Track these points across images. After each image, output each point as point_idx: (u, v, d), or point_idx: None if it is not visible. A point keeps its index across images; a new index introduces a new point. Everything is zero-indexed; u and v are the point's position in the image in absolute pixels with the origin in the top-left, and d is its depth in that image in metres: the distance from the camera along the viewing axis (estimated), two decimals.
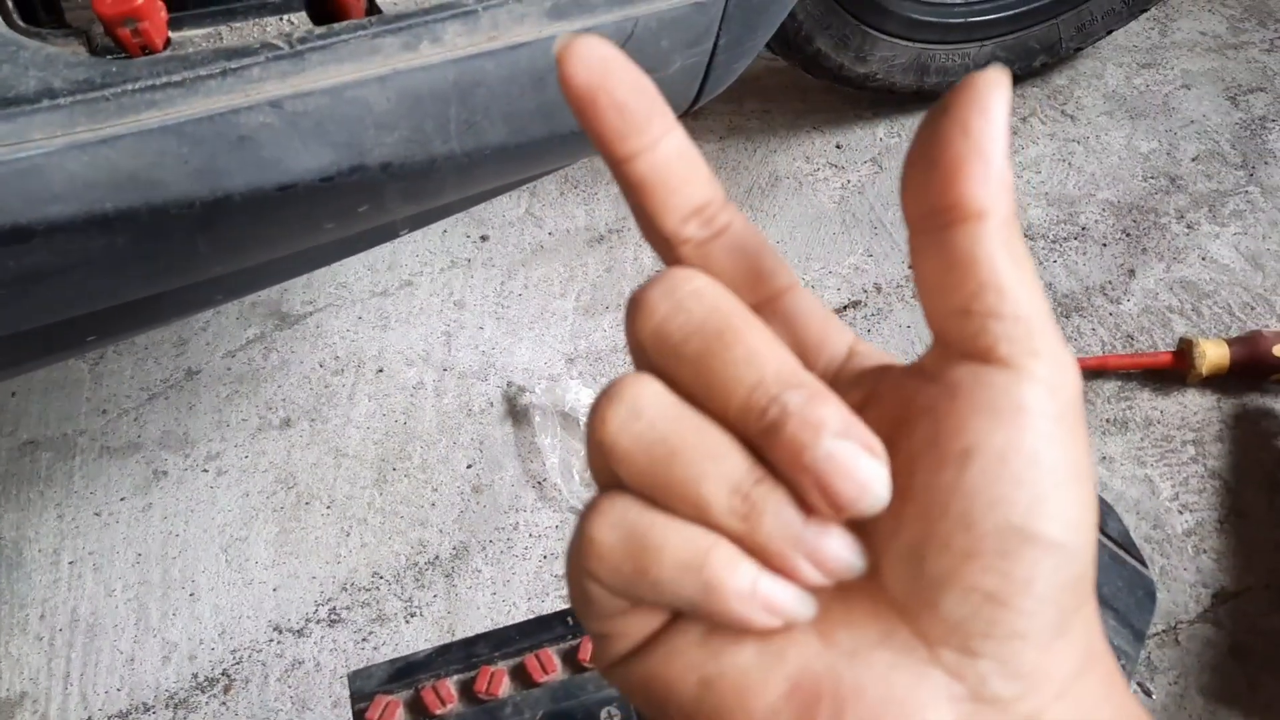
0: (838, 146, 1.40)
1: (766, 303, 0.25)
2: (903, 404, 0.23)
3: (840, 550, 0.22)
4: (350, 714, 0.66)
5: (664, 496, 0.23)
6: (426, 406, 1.11)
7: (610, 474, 0.23)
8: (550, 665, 0.66)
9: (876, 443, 0.21)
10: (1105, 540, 0.96)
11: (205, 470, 1.05)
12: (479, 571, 0.97)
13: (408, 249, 1.26)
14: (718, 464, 0.22)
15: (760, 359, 0.22)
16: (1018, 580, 0.21)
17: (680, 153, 0.24)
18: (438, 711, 0.65)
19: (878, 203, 1.32)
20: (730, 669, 0.23)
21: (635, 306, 0.24)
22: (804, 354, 0.25)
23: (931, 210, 0.22)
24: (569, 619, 0.69)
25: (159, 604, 0.95)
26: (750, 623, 0.22)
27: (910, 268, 0.24)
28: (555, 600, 0.95)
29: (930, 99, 1.42)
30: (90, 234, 0.56)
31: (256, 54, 0.58)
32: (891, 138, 1.41)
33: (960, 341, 0.22)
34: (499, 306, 1.20)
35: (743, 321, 0.23)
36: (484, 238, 1.28)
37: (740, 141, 1.40)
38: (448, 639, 0.92)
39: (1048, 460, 0.21)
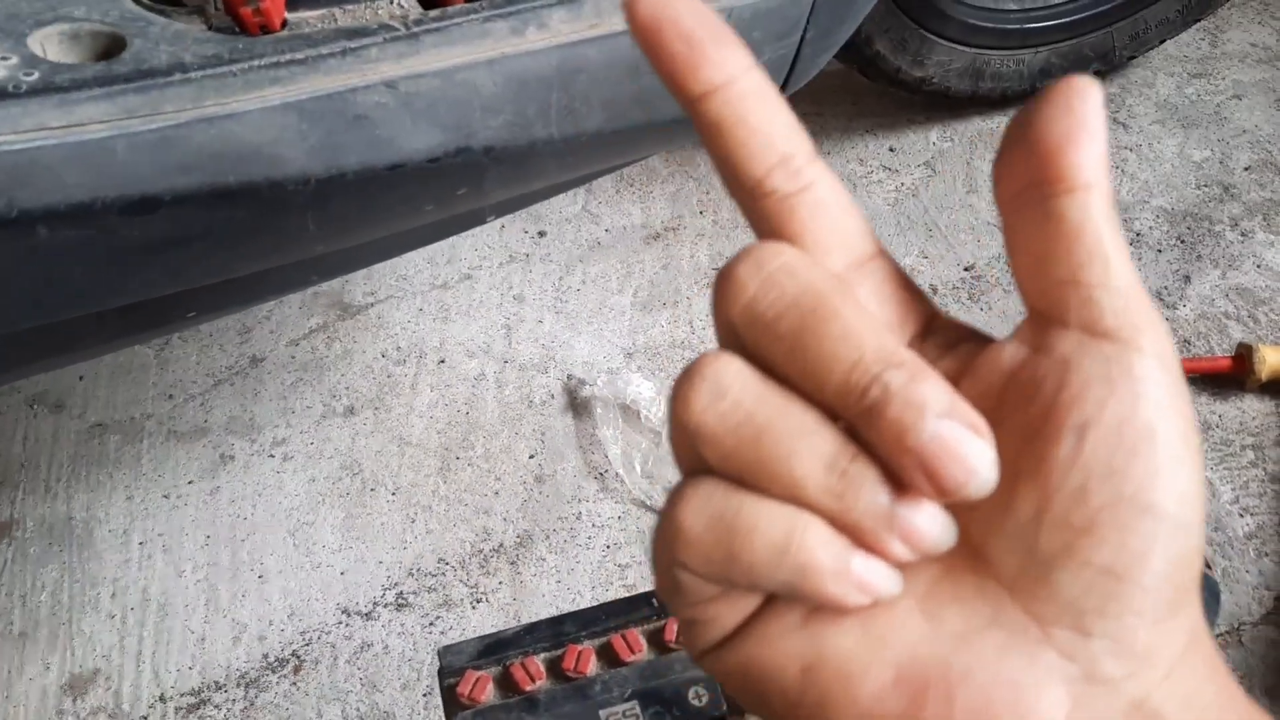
0: (891, 149, 1.41)
1: (853, 269, 0.24)
2: (1002, 378, 0.23)
3: (932, 526, 0.21)
4: (437, 689, 0.67)
5: (753, 477, 0.22)
6: (488, 397, 1.11)
7: (695, 457, 0.23)
8: (637, 645, 0.67)
9: (981, 422, 0.21)
10: None
11: (271, 455, 1.06)
12: (543, 560, 0.98)
13: (467, 243, 1.27)
14: (809, 440, 0.21)
15: (857, 336, 0.21)
16: (1134, 553, 0.21)
17: (760, 93, 0.23)
18: (527, 688, 0.65)
19: (931, 205, 1.33)
20: (833, 655, 0.22)
21: (723, 283, 0.23)
22: (890, 325, 0.24)
23: (1035, 182, 0.22)
24: (654, 600, 0.70)
25: (228, 585, 0.96)
26: (844, 602, 0.22)
27: (1006, 246, 0.23)
28: (619, 589, 0.95)
29: (984, 104, 1.43)
30: (212, 207, 0.57)
31: (374, 34, 0.60)
32: (944, 142, 1.42)
33: (1066, 312, 0.22)
34: (558, 301, 1.21)
35: (839, 297, 0.22)
36: (541, 233, 1.29)
37: None
38: (514, 625, 0.93)
39: (1163, 432, 0.21)
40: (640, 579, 0.96)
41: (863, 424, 0.21)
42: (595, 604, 0.71)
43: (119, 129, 0.53)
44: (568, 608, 0.94)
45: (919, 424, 0.20)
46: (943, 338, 0.25)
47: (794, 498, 0.21)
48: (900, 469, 0.21)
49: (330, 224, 0.65)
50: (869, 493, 0.21)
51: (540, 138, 0.68)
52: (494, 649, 0.68)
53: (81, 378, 1.12)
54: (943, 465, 0.20)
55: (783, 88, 0.81)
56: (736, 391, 0.22)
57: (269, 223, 0.61)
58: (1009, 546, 0.22)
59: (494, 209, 0.79)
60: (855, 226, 0.24)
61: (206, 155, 0.55)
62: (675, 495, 0.23)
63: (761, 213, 0.24)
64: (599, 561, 0.97)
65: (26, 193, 0.51)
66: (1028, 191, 0.22)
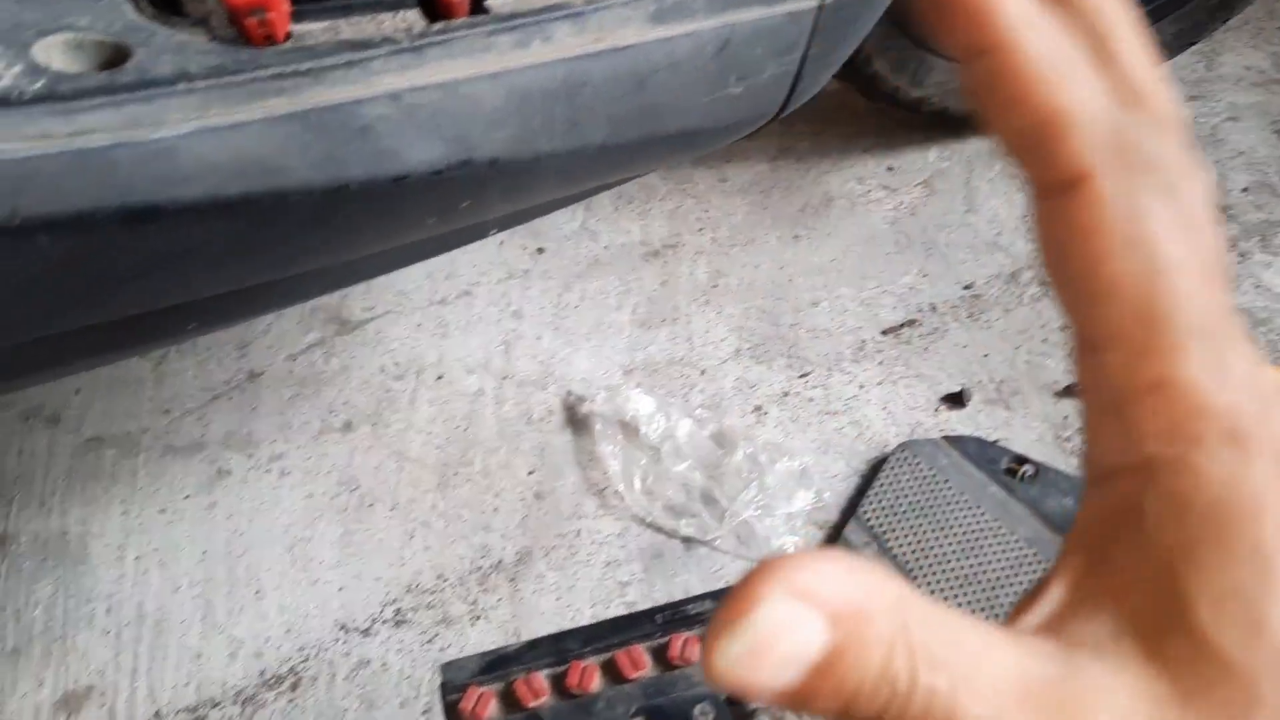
0: (889, 169, 1.41)
1: None
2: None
3: None
4: (438, 706, 0.66)
5: None
6: (487, 413, 1.11)
7: None
8: (641, 662, 0.67)
9: None
10: None
11: (269, 471, 1.05)
12: (543, 576, 0.97)
13: (465, 259, 1.27)
14: None
15: None
16: None
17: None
18: (530, 704, 0.65)
19: (930, 224, 1.33)
20: None
21: None
22: None
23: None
24: (657, 617, 0.69)
25: (225, 601, 0.95)
26: None
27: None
28: (619, 607, 0.94)
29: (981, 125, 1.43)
30: (214, 218, 0.57)
31: (378, 47, 0.60)
32: (943, 161, 1.42)
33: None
34: (556, 317, 1.21)
35: None
36: (540, 250, 1.29)
37: (792, 162, 1.42)
38: (514, 642, 0.92)
39: None
40: (641, 596, 0.95)
41: None
42: (597, 620, 0.71)
43: (122, 138, 0.52)
44: (568, 625, 0.93)
45: None
46: None
47: None
48: None
49: (333, 236, 0.64)
50: None
51: (544, 151, 0.68)
52: (496, 665, 0.67)
53: (78, 391, 1.12)
54: None
55: (784, 105, 0.82)
56: None
57: (272, 235, 0.61)
58: None
59: (497, 223, 0.79)
60: None
61: (209, 166, 0.55)
62: None
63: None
64: (599, 578, 0.97)
65: (29, 200, 0.51)
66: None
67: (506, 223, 0.80)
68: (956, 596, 0.93)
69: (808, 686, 0.18)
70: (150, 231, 0.55)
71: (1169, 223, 0.20)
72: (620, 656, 0.67)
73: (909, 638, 0.19)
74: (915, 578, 0.95)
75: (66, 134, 0.51)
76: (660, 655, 0.67)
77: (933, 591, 0.93)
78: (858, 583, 0.19)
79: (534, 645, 0.68)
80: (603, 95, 0.68)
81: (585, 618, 0.94)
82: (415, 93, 0.60)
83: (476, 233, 0.78)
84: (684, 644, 0.67)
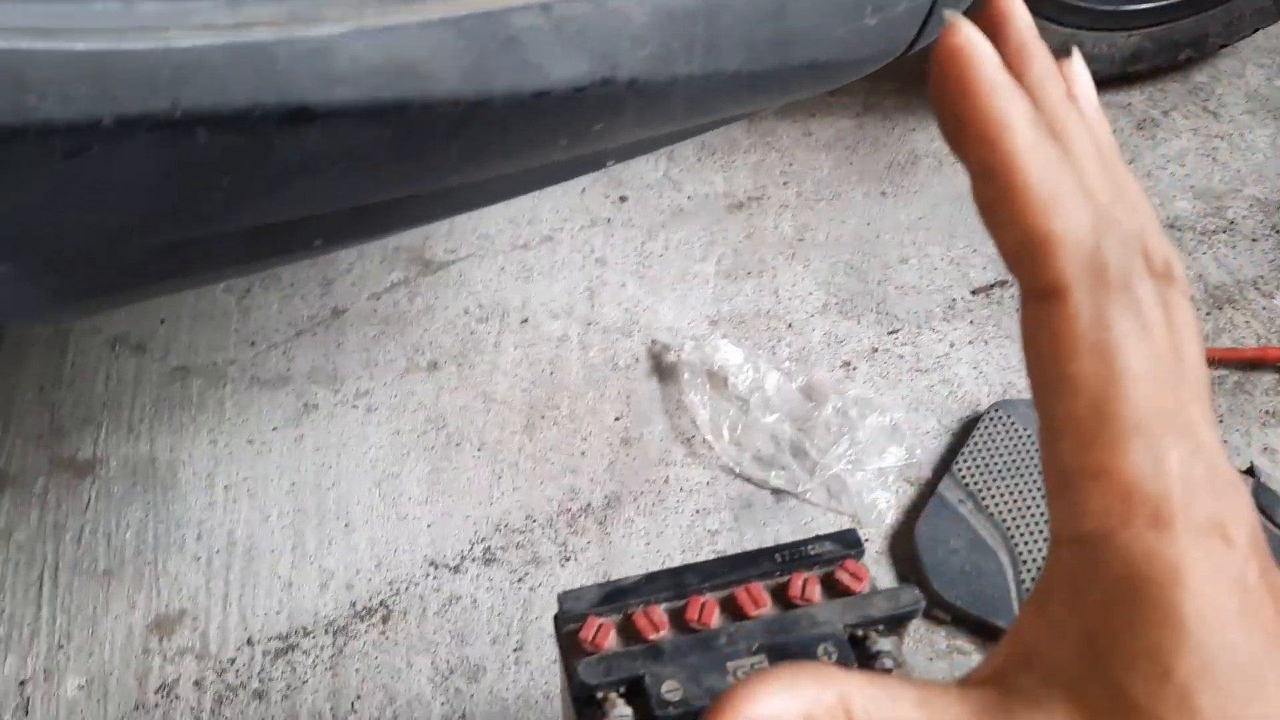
0: None
1: None
2: None
3: None
4: (555, 635, 0.65)
5: None
6: (572, 359, 1.10)
7: None
8: (761, 600, 0.65)
9: None
10: (1275, 529, 0.94)
11: (355, 406, 1.04)
12: (631, 521, 0.96)
13: (547, 204, 1.26)
14: None
15: None
16: None
17: None
18: (651, 637, 0.64)
19: None
20: None
21: None
22: None
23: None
24: (776, 556, 0.68)
25: (315, 532, 0.94)
26: None
27: None
28: (708, 554, 0.94)
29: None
30: (364, 123, 0.55)
31: None
32: None
33: None
34: (640, 266, 1.20)
35: None
36: (623, 198, 1.28)
37: (878, 119, 1.39)
38: (633, 575, 0.91)
39: None
40: (731, 545, 0.94)
41: None
42: (716, 556, 0.69)
43: (282, 34, 0.51)
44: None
45: None
46: None
47: None
48: None
49: (469, 152, 0.63)
50: None
51: (681, 74, 0.66)
52: (614, 596, 0.66)
53: (163, 321, 1.12)
54: None
55: (912, 43, 0.79)
56: None
57: (414, 145, 0.59)
58: None
59: (617, 152, 0.77)
60: None
61: (364, 68, 0.54)
62: None
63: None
64: (688, 525, 0.96)
65: (191, 93, 0.49)
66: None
67: (626, 153, 0.78)
68: None
69: None
70: (301, 134, 0.54)
71: (1132, 335, 0.23)
72: (740, 594, 0.65)
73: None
74: (1011, 535, 0.93)
75: (231, 25, 0.49)
76: (780, 594, 0.66)
77: (1029, 549, 0.92)
78: (801, 697, 0.24)
79: (652, 579, 0.66)
80: (743, 19, 0.66)
81: (675, 564, 0.93)
82: (565, 4, 0.59)
83: (597, 161, 0.76)
84: (804, 584, 0.65)
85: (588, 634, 0.64)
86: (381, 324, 1.12)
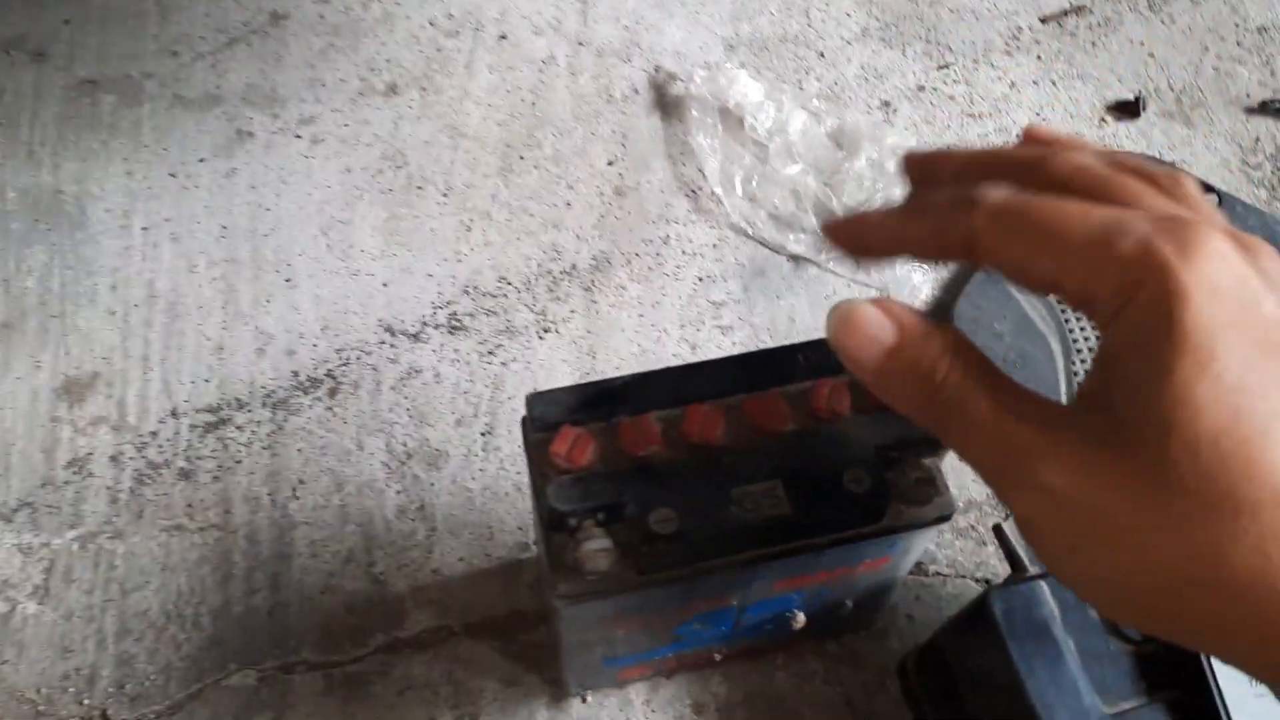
0: None
1: None
2: None
3: None
4: (523, 443, 0.53)
5: None
6: (558, 86, 0.92)
7: None
8: (778, 412, 0.52)
9: None
10: None
11: (298, 136, 0.87)
12: (623, 288, 0.82)
13: None
14: None
15: None
16: None
17: None
18: (639, 452, 0.51)
19: None
20: None
21: None
22: None
23: None
24: (799, 356, 0.54)
25: (250, 287, 0.80)
26: None
27: None
28: (712, 330, 0.80)
29: None
30: None
31: None
32: None
33: None
34: None
35: None
36: None
37: None
38: (588, 362, 0.78)
39: None
40: (737, 320, 0.81)
41: None
42: (723, 355, 0.56)
43: None
44: (653, 348, 0.79)
45: None
46: None
47: None
48: None
49: None
50: None
51: None
52: (596, 401, 0.53)
53: (68, 22, 0.92)
54: None
55: None
56: None
57: None
58: None
59: None
60: None
61: None
62: None
63: None
64: (689, 295, 0.82)
65: None
66: None
67: None
68: None
69: (882, 365, 0.27)
70: None
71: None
72: (751, 404, 0.52)
73: (956, 352, 0.27)
74: (1066, 316, 0.80)
75: None
76: (802, 404, 0.52)
77: (1085, 333, 0.79)
78: (926, 321, 0.28)
79: (644, 380, 0.53)
80: None
81: (674, 341, 0.80)
82: None
83: None
84: (832, 392, 0.52)
85: (562, 447, 0.51)
86: (330, 34, 0.93)
